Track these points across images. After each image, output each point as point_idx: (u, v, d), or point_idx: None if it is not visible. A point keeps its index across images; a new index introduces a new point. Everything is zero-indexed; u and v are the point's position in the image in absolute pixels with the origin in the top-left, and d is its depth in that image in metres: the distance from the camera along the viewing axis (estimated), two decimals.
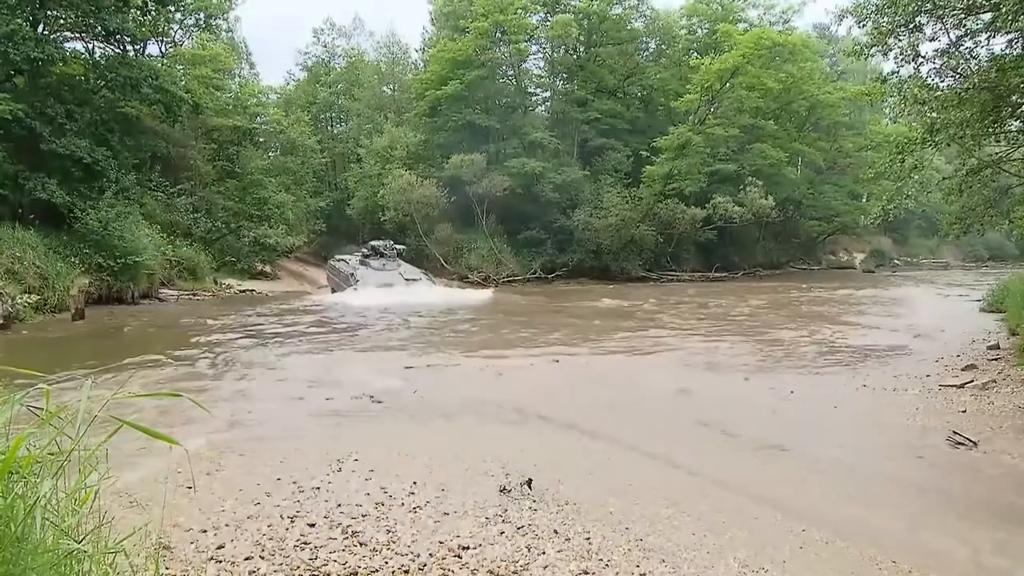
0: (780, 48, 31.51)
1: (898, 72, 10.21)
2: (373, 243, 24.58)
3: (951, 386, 7.35)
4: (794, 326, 13.62)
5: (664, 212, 31.16)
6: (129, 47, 24.48)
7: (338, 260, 24.52)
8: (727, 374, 8.82)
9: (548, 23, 34.99)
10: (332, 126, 46.23)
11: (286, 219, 30.73)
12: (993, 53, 9.33)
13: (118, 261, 18.51)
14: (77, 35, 22.02)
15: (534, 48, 37.33)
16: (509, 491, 4.21)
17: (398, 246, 25.06)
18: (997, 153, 10.90)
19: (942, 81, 9.90)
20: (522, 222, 31.66)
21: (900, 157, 10.57)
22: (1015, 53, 8.91)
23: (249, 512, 3.85)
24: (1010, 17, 8.10)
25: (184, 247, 24.17)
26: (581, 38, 36.09)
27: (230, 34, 36.82)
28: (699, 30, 38.35)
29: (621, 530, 3.65)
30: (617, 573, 3.13)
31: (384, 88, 45.06)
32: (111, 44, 23.05)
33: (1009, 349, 9.34)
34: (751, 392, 7.65)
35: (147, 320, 15.90)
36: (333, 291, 22.59)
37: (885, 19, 9.43)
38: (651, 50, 39.54)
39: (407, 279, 22.20)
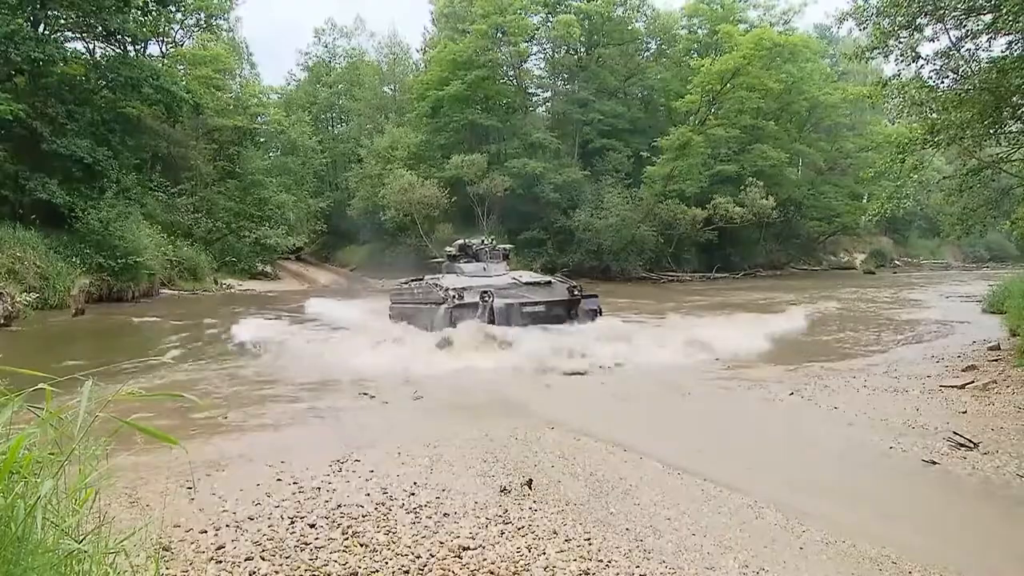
0: (780, 49, 31.53)
1: (899, 75, 10.23)
2: (463, 241, 14.42)
3: (951, 387, 7.34)
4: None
5: (665, 212, 31.19)
6: (130, 47, 24.54)
7: (406, 283, 14.23)
8: (722, 374, 8.81)
9: (549, 23, 35.01)
10: (333, 126, 46.28)
11: (287, 219, 30.78)
12: (993, 55, 9.35)
13: (119, 261, 18.55)
14: (78, 35, 22.08)
15: (535, 49, 37.40)
16: (509, 491, 4.21)
17: (504, 245, 15.30)
18: (997, 154, 10.90)
19: (942, 82, 9.91)
20: (523, 222, 31.71)
21: (901, 157, 10.58)
22: (1015, 54, 8.90)
23: (249, 512, 3.85)
24: (1010, 18, 8.11)
25: (185, 247, 24.20)
26: (582, 39, 36.10)
27: (231, 34, 36.87)
28: (700, 31, 38.35)
29: (621, 531, 3.64)
30: (617, 574, 3.13)
31: (385, 88, 45.10)
32: (112, 44, 23.11)
33: (1009, 350, 9.32)
34: (749, 393, 7.64)
35: (147, 320, 15.91)
36: (392, 320, 13.86)
37: (886, 21, 9.44)
38: (652, 50, 39.55)
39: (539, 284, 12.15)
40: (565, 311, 11.39)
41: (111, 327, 14.50)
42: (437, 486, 4.32)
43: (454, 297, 10.83)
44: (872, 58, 10.49)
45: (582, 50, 37.00)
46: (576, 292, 11.65)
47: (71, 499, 1.86)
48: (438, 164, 32.74)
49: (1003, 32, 8.81)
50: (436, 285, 11.95)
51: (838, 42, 41.40)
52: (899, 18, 9.25)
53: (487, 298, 10.68)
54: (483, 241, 14.44)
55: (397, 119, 39.10)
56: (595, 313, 11.73)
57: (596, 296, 12.32)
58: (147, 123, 25.30)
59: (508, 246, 15.75)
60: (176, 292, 21.91)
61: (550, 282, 12.31)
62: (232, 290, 24.62)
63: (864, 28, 10.14)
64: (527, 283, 12.03)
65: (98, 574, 1.75)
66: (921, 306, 18.17)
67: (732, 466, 4.96)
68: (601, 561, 3.24)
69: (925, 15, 9.17)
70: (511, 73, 36.56)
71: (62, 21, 20.64)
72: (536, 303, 11.19)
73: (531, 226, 31.71)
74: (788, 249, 39.80)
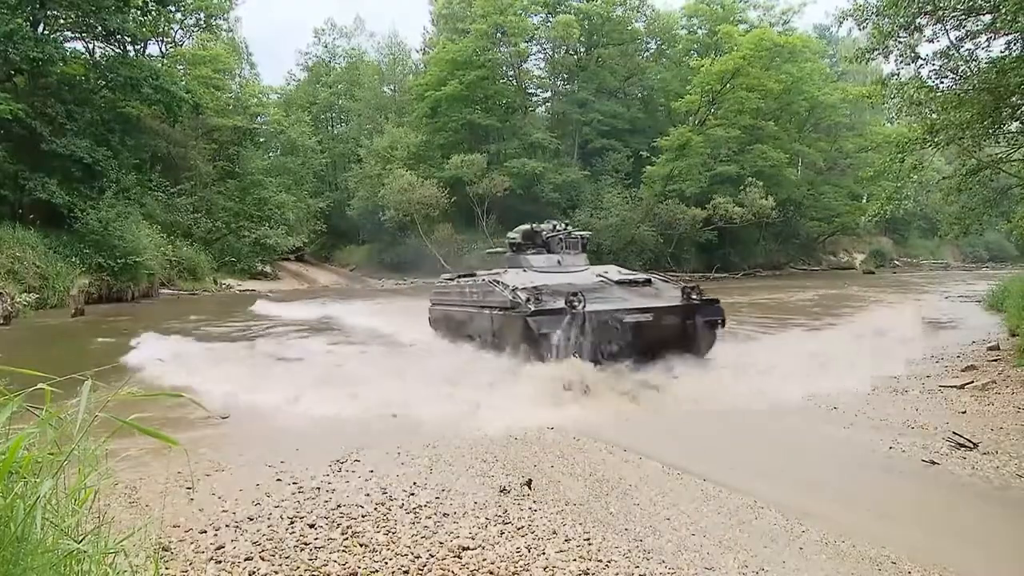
0: (780, 49, 31.58)
1: (898, 74, 10.25)
2: (529, 227, 11.21)
3: (951, 387, 7.34)
4: (790, 323, 13.60)
5: (664, 212, 31.25)
6: (129, 47, 24.58)
7: (453, 279, 11.79)
8: (718, 372, 8.79)
9: (549, 23, 35.09)
10: (332, 126, 46.29)
11: (286, 219, 30.82)
12: (992, 55, 9.37)
13: (118, 261, 18.57)
14: (77, 35, 22.11)
15: (535, 49, 37.51)
16: (509, 491, 4.21)
17: (583, 232, 11.68)
18: (996, 154, 10.92)
19: (941, 82, 9.93)
20: (522, 222, 31.66)
21: (900, 157, 10.60)
22: (1014, 54, 8.92)
23: (249, 513, 3.85)
24: (1009, 18, 8.12)
25: (184, 247, 24.24)
26: (582, 39, 36.18)
27: (230, 34, 36.92)
28: (700, 31, 38.42)
29: (621, 531, 3.64)
30: (617, 574, 3.13)
31: (385, 88, 45.15)
32: (111, 44, 23.15)
33: (1009, 350, 9.32)
34: (747, 394, 7.63)
35: (146, 320, 15.89)
36: (433, 325, 12.00)
37: (885, 21, 9.45)
38: (651, 50, 39.64)
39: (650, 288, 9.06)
40: (680, 321, 8.28)
41: (110, 327, 14.47)
42: (437, 486, 4.32)
43: (529, 300, 7.79)
44: (872, 59, 10.51)
45: (582, 50, 37.05)
46: (694, 296, 8.51)
47: (71, 499, 1.86)
48: (438, 164, 32.78)
49: (1002, 32, 8.83)
50: (497, 283, 9.02)
51: (838, 42, 41.49)
52: (899, 18, 9.26)
53: (577, 303, 7.65)
54: (555, 227, 11.00)
55: (397, 119, 39.14)
56: (715, 324, 8.54)
57: (717, 301, 8.65)
58: (147, 123, 25.32)
59: (587, 233, 11.90)
60: (176, 292, 21.91)
61: (650, 280, 9.26)
62: (232, 290, 24.61)
63: (864, 28, 10.16)
64: (619, 282, 9.06)
65: (98, 574, 1.75)
66: (921, 305, 18.16)
67: (731, 466, 4.96)
68: (601, 561, 3.24)
69: (925, 15, 9.19)
70: (511, 73, 36.61)
71: (61, 21, 20.66)
72: (640, 311, 8.04)
73: None
74: (788, 249, 39.85)
